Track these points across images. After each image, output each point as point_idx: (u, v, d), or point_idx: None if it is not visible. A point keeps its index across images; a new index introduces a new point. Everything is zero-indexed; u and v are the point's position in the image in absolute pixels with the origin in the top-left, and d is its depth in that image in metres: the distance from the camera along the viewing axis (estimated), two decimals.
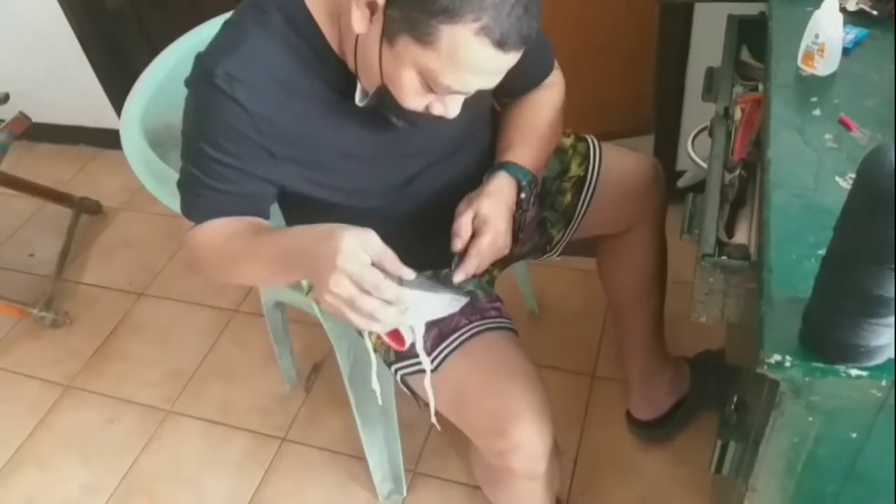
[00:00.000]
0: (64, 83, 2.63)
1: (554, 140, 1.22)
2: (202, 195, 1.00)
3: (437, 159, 1.13)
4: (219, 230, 1.01)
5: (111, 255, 2.37)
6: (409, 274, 0.87)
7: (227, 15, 1.03)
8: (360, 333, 1.25)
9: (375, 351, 1.19)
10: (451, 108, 0.96)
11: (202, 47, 0.98)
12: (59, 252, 2.30)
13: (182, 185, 1.03)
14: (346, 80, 0.98)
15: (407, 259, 0.88)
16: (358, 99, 0.98)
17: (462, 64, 0.86)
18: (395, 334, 0.95)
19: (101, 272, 2.31)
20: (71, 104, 2.70)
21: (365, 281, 0.83)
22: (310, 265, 0.88)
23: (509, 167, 1.10)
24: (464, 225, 1.04)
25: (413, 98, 0.93)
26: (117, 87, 2.50)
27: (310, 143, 1.01)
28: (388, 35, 0.87)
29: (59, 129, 2.76)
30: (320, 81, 0.99)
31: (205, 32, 0.99)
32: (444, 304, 0.93)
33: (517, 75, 1.19)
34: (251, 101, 0.94)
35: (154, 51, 1.48)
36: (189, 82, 0.98)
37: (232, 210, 1.01)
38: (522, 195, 1.09)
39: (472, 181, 1.15)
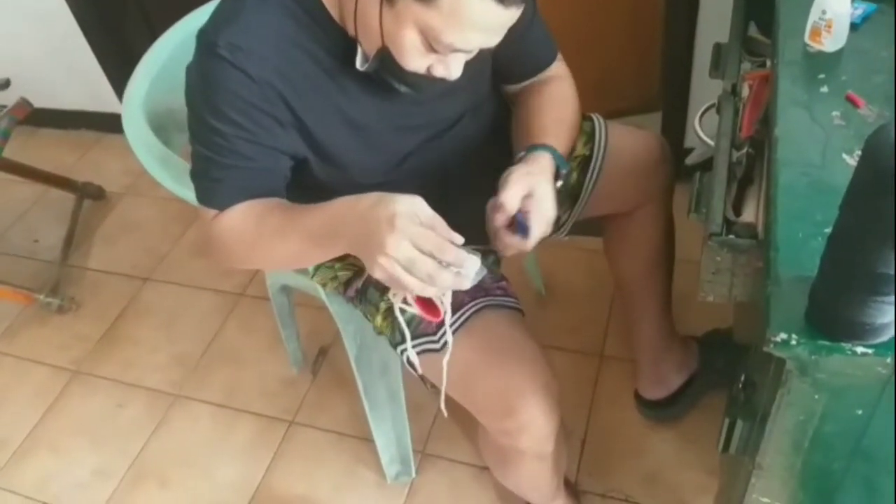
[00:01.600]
0: (65, 68, 2.62)
1: (575, 135, 1.21)
2: (218, 178, 0.99)
3: (436, 134, 1.13)
4: (249, 214, 0.99)
5: (116, 240, 2.37)
6: (459, 239, 0.86)
7: None
8: (366, 317, 1.25)
9: (381, 333, 1.19)
10: (452, 68, 0.95)
11: None
12: (64, 237, 2.30)
13: (195, 173, 1.02)
14: (345, 47, 0.98)
15: None
16: (359, 63, 0.97)
17: (463, 20, 0.86)
18: (431, 306, 0.94)
19: (106, 257, 2.32)
20: (72, 89, 2.69)
21: (427, 242, 0.83)
22: (361, 231, 0.86)
23: (554, 152, 1.09)
24: (513, 199, 1.01)
25: (414, 58, 0.92)
26: (118, 70, 2.49)
27: (313, 110, 1.00)
28: None
29: (61, 114, 2.76)
30: (321, 49, 0.99)
31: (205, 14, 0.99)
32: (473, 273, 0.93)
33: (520, 58, 1.18)
34: (255, 68, 0.94)
35: (154, 34, 1.47)
36: (191, 62, 0.98)
37: (250, 189, 1.00)
38: (558, 183, 1.08)
39: (468, 160, 1.14)
